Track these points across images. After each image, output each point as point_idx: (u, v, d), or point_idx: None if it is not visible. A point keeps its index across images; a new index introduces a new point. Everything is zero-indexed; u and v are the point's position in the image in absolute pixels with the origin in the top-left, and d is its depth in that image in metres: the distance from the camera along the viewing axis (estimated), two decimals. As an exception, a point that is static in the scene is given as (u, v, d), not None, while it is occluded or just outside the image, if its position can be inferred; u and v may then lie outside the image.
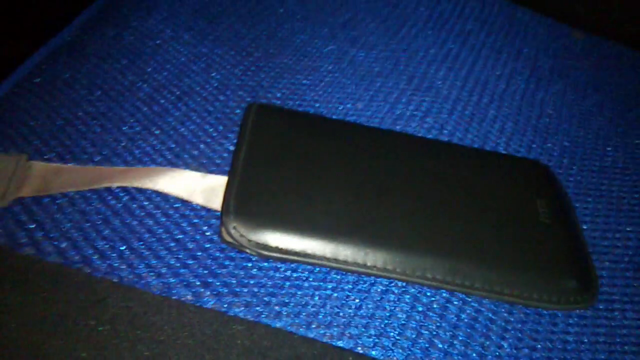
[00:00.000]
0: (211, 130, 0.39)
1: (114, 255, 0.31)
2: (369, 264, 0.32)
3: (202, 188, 0.34)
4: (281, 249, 0.31)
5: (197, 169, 0.36)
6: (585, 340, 0.34)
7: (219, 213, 0.34)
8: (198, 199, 0.34)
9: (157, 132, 0.38)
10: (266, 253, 0.31)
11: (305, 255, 0.31)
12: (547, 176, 0.40)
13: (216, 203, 0.33)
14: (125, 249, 0.31)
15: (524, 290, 0.33)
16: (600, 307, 0.35)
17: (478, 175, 0.38)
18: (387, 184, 0.35)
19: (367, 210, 0.33)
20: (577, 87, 0.51)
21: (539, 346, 0.33)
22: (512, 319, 0.33)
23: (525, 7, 0.57)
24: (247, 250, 0.31)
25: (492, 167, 0.39)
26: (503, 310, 0.34)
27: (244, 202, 0.32)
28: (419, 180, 0.36)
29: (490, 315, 0.33)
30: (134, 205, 0.34)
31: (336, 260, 0.31)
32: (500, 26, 0.55)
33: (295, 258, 0.31)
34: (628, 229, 0.40)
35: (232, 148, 0.38)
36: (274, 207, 0.32)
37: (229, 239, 0.31)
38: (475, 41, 0.52)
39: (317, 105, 0.42)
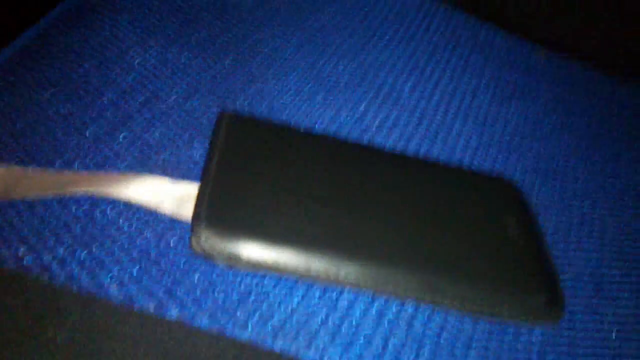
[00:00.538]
0: (177, 137, 0.38)
1: (74, 263, 0.30)
2: (341, 277, 0.31)
3: (172, 196, 0.33)
4: (252, 260, 0.31)
5: (162, 175, 0.35)
6: (549, 352, 0.34)
7: (185, 222, 0.33)
8: (167, 207, 0.33)
9: (121, 137, 0.37)
10: (237, 264, 0.31)
11: (277, 266, 0.31)
12: (514, 193, 0.40)
13: (186, 212, 0.33)
14: (86, 257, 0.31)
15: (493, 305, 0.33)
16: (562, 322, 0.36)
17: (447, 191, 0.38)
18: (359, 197, 0.35)
19: (340, 223, 0.33)
20: (540, 105, 0.52)
21: (504, 357, 0.33)
22: (478, 330, 0.33)
23: (491, 24, 0.58)
24: (218, 260, 0.31)
25: (461, 183, 0.39)
26: (468, 325, 0.34)
27: (216, 211, 0.31)
28: (391, 194, 0.36)
29: (457, 326, 0.33)
30: (96, 211, 0.33)
31: (308, 273, 0.31)
32: (466, 42, 0.56)
33: (267, 269, 0.31)
34: (589, 245, 0.41)
35: (198, 156, 0.37)
36: (246, 217, 0.32)
37: (199, 249, 0.31)
38: (442, 56, 0.53)
39: (285, 112, 0.42)
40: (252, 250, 0.31)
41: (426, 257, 0.33)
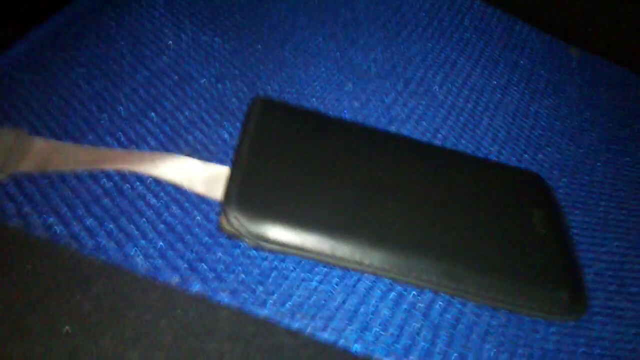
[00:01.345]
0: (207, 117, 0.39)
1: (102, 233, 0.31)
2: (366, 262, 0.32)
3: (204, 177, 0.34)
4: (280, 242, 0.31)
5: (190, 154, 0.36)
6: (565, 350, 0.34)
7: (212, 200, 0.34)
8: (199, 187, 0.34)
9: (153, 115, 0.38)
10: (265, 244, 0.31)
11: (304, 249, 0.31)
12: (543, 188, 0.40)
13: (217, 192, 0.33)
14: (113, 228, 0.31)
15: (517, 298, 0.33)
16: (582, 318, 0.36)
17: (476, 182, 0.38)
18: (387, 184, 0.35)
19: (367, 209, 0.34)
20: (570, 103, 0.51)
21: (519, 351, 0.33)
22: (494, 323, 0.34)
23: (524, 21, 0.58)
24: (247, 241, 0.31)
25: (491, 175, 0.39)
26: (486, 313, 0.34)
27: (247, 193, 0.32)
28: (418, 183, 0.36)
29: (473, 317, 0.33)
30: (126, 186, 0.33)
31: (334, 257, 0.32)
32: (499, 38, 0.55)
33: (293, 251, 0.32)
34: (614, 243, 0.40)
35: (226, 137, 0.38)
36: (275, 199, 0.32)
37: (229, 228, 0.31)
38: (473, 50, 0.53)
39: (313, 100, 0.42)
40: (280, 233, 0.31)
41: (452, 247, 0.34)
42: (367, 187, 0.35)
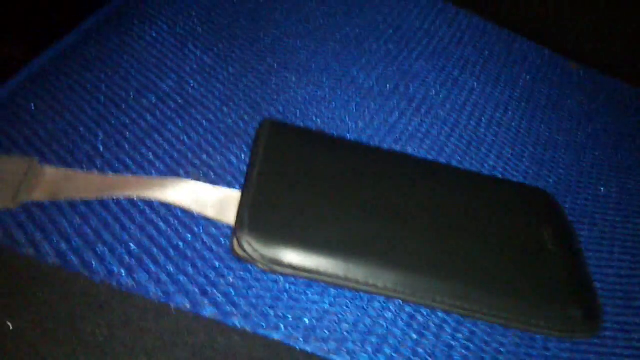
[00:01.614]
0: (213, 140, 0.39)
1: (113, 260, 0.31)
2: (379, 284, 0.32)
3: (214, 201, 0.34)
4: (293, 265, 0.31)
5: (198, 178, 0.36)
6: (577, 367, 0.34)
7: (221, 224, 0.34)
8: (210, 211, 0.34)
9: (160, 139, 0.38)
10: (278, 269, 0.31)
11: (317, 272, 0.31)
12: (552, 204, 0.40)
13: (228, 216, 0.34)
14: (124, 255, 0.31)
15: (531, 317, 0.33)
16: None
17: (486, 201, 0.38)
18: (397, 205, 0.35)
19: (379, 231, 0.34)
20: (572, 117, 0.52)
21: (532, 370, 0.33)
22: (505, 342, 0.34)
23: (523, 37, 0.58)
24: (259, 265, 0.31)
25: (499, 193, 0.39)
26: (497, 332, 0.34)
27: (258, 217, 0.32)
28: (428, 203, 0.36)
29: (484, 337, 0.33)
30: (135, 211, 0.33)
31: (347, 279, 0.32)
32: (499, 54, 0.56)
33: (306, 275, 0.31)
34: (621, 258, 0.41)
35: (233, 159, 0.38)
36: (287, 223, 0.32)
37: (241, 253, 0.31)
38: (474, 67, 0.53)
39: (318, 120, 0.42)
40: (293, 257, 0.31)
41: (464, 267, 0.34)
42: (378, 208, 0.35)
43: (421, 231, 0.34)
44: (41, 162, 0.34)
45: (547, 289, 0.34)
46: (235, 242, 0.32)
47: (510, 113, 0.50)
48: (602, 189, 0.46)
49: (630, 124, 0.53)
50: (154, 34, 0.45)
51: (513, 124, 0.49)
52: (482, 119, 0.48)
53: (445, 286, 0.32)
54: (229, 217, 0.34)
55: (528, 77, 0.54)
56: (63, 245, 0.31)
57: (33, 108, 0.37)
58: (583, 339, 0.35)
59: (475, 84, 0.51)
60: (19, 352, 0.27)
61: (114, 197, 0.34)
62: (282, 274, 0.32)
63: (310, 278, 0.32)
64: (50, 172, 0.34)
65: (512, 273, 0.34)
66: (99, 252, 0.31)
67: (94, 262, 0.31)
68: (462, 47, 0.55)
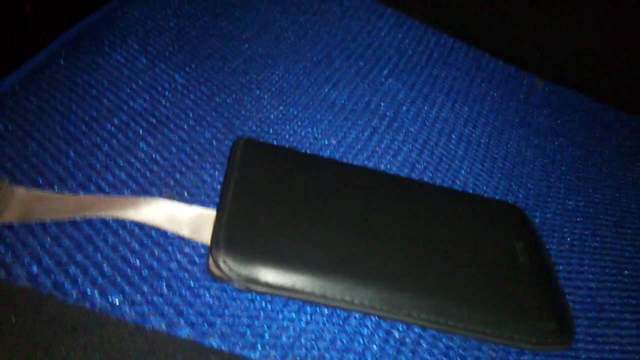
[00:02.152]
0: (187, 159, 0.39)
1: (86, 282, 0.31)
2: (356, 301, 0.32)
3: (188, 220, 0.34)
4: (270, 284, 0.31)
5: (172, 197, 0.36)
6: (552, 379, 0.34)
7: (195, 243, 0.34)
8: (184, 231, 0.34)
9: (132, 159, 0.37)
10: (255, 287, 0.31)
11: (294, 290, 0.31)
12: (523, 218, 0.41)
13: (204, 235, 0.33)
14: (97, 276, 0.31)
15: (505, 331, 0.33)
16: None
17: (459, 216, 0.39)
18: (371, 221, 0.36)
19: (354, 248, 0.34)
20: (539, 132, 0.53)
21: (508, 383, 0.33)
22: (481, 356, 0.34)
23: (491, 54, 0.60)
24: (236, 284, 0.31)
25: (472, 208, 0.40)
26: (473, 347, 0.34)
27: (234, 236, 0.32)
28: (402, 219, 0.37)
29: (460, 351, 0.34)
30: (108, 232, 0.33)
31: (324, 297, 0.32)
32: (467, 71, 0.57)
33: (284, 293, 0.31)
34: (591, 270, 0.41)
35: (207, 178, 0.38)
36: (263, 242, 0.32)
37: (217, 272, 0.31)
38: (443, 84, 0.54)
39: (291, 139, 0.43)
40: (270, 275, 0.31)
41: (438, 282, 0.34)
42: (352, 225, 0.35)
43: (396, 247, 0.35)
44: (11, 183, 0.34)
45: (521, 302, 0.35)
46: (211, 261, 0.31)
47: (479, 129, 0.50)
48: (569, 202, 0.47)
49: (596, 138, 0.55)
50: (125, 54, 0.45)
51: (482, 140, 0.49)
52: (452, 135, 0.49)
53: (421, 301, 0.33)
54: (204, 236, 0.33)
55: (496, 94, 0.55)
56: (34, 268, 0.30)
57: (1, 128, 0.37)
58: (557, 351, 0.35)
59: (445, 100, 0.52)
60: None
61: (87, 218, 0.33)
62: (258, 293, 0.32)
63: (287, 296, 0.32)
64: (21, 193, 0.33)
65: (486, 287, 0.35)
66: (71, 274, 0.31)
67: (65, 284, 0.30)
68: (432, 64, 0.56)
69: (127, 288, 0.31)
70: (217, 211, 0.33)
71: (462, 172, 0.45)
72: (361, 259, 0.33)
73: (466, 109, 0.52)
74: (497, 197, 0.44)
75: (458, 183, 0.44)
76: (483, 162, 0.47)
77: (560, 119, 0.55)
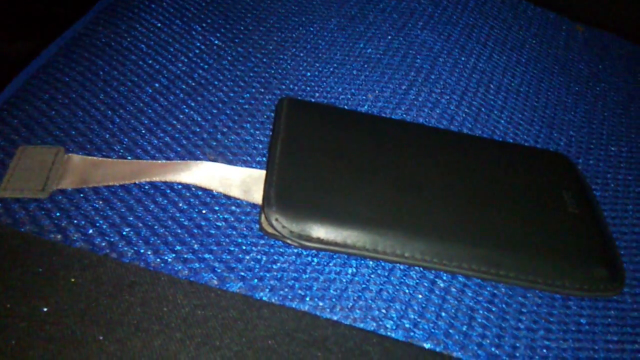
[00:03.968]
0: (227, 120, 0.39)
1: (140, 241, 0.32)
2: (407, 254, 0.32)
3: (239, 181, 0.35)
4: (322, 240, 0.32)
5: (215, 158, 0.36)
6: (598, 323, 0.34)
7: (240, 201, 0.34)
8: (235, 192, 0.34)
9: (175, 122, 0.38)
10: (308, 244, 0.32)
11: (345, 245, 0.32)
12: (570, 167, 0.41)
13: (254, 195, 0.34)
14: (150, 236, 0.32)
15: (557, 279, 0.34)
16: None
17: (505, 167, 0.39)
18: (419, 175, 0.36)
19: (404, 202, 0.34)
20: (580, 79, 0.52)
21: (554, 328, 0.33)
22: (527, 302, 0.34)
23: (528, 1, 0.58)
24: (289, 241, 0.32)
25: (518, 159, 0.40)
26: (517, 294, 0.34)
27: (285, 194, 0.33)
28: (447, 172, 0.37)
29: (505, 299, 0.34)
30: (157, 194, 0.34)
31: (375, 251, 0.32)
32: (504, 19, 0.56)
33: (335, 248, 0.32)
34: (636, 215, 0.41)
35: (248, 138, 0.38)
36: (314, 198, 0.33)
37: (270, 230, 0.32)
38: (480, 34, 0.53)
39: (329, 96, 0.43)
40: (322, 231, 0.32)
41: (489, 233, 0.34)
42: (398, 179, 0.35)
43: (443, 199, 0.35)
44: (67, 151, 0.35)
45: (572, 250, 0.35)
46: (263, 219, 0.32)
47: (518, 78, 0.50)
48: (612, 148, 0.46)
49: (638, 82, 0.53)
50: (161, 17, 0.45)
51: (521, 88, 0.49)
52: (491, 85, 0.48)
53: (473, 253, 0.33)
54: (255, 196, 0.34)
55: (534, 41, 0.54)
56: (90, 230, 0.32)
57: (48, 98, 0.38)
58: (606, 297, 0.35)
59: (482, 50, 0.51)
60: (57, 333, 0.27)
61: (142, 182, 0.34)
62: (311, 249, 0.33)
63: (338, 251, 0.32)
64: (78, 161, 0.34)
65: (536, 236, 0.35)
66: (125, 234, 0.32)
67: (120, 244, 0.31)
68: (467, 13, 0.55)
69: (178, 246, 0.32)
70: (267, 171, 0.34)
71: (502, 122, 0.45)
72: (410, 212, 0.34)
73: (504, 58, 0.51)
74: (538, 146, 0.44)
75: (498, 133, 0.44)
76: (523, 111, 0.46)
77: (602, 65, 0.54)
